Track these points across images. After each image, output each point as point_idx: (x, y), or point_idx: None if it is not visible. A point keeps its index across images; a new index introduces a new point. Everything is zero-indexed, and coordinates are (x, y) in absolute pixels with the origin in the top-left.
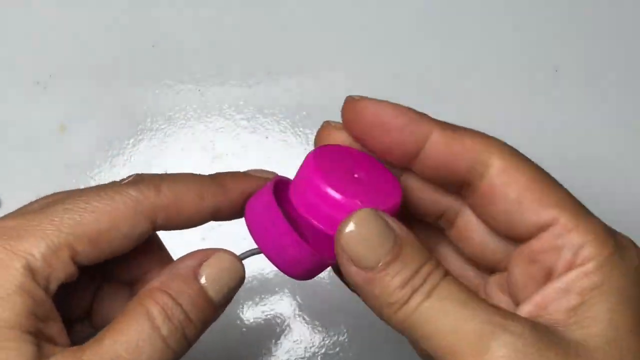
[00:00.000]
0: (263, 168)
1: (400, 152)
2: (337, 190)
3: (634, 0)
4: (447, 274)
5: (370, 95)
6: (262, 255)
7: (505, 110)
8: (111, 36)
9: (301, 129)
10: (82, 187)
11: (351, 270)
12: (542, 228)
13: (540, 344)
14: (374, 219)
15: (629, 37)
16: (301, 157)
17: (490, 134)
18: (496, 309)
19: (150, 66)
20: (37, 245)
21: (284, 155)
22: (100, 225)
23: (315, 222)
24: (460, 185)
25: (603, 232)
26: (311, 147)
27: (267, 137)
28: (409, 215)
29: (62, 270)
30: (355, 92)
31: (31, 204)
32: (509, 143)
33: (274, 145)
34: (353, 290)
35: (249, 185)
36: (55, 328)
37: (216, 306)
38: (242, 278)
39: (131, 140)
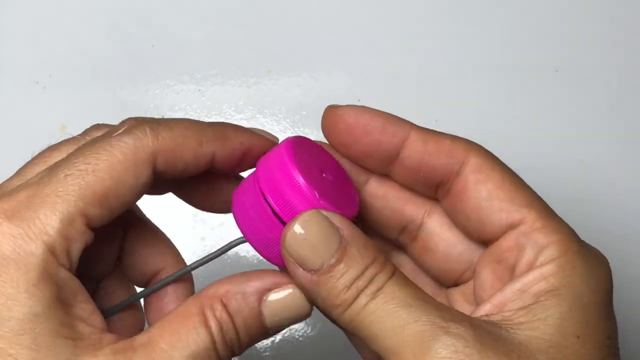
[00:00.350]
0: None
1: (380, 153)
2: (303, 177)
3: (634, 0)
4: (394, 273)
5: (370, 95)
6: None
7: (506, 110)
8: (111, 36)
9: (301, 129)
10: None
11: (297, 272)
12: (511, 226)
13: (482, 345)
14: (319, 220)
15: (629, 37)
16: None
17: (490, 135)
18: (440, 310)
19: (150, 66)
20: (51, 222)
21: None
22: (105, 183)
23: (274, 205)
24: (435, 187)
25: (568, 234)
26: None
27: None
28: (368, 231)
29: (79, 240)
30: (355, 92)
31: (23, 172)
32: (509, 143)
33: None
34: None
35: (249, 138)
36: (87, 309)
37: (266, 334)
38: (304, 318)
39: None
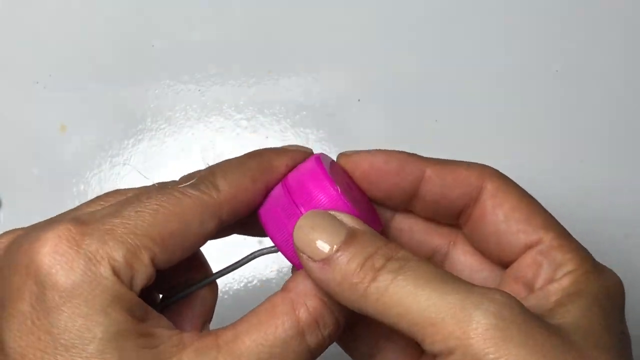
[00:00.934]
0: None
1: (399, 194)
2: (331, 182)
3: (635, 1)
4: (414, 256)
5: (370, 95)
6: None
7: (506, 110)
8: (111, 36)
9: (301, 129)
10: (82, 187)
11: (311, 266)
12: (529, 247)
13: (527, 314)
14: (323, 215)
15: (630, 37)
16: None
17: (491, 134)
18: (475, 285)
19: (150, 66)
20: (117, 250)
21: None
22: (173, 225)
23: (300, 204)
24: (457, 215)
25: (583, 252)
26: (311, 147)
27: (267, 137)
28: None
29: (144, 273)
30: (355, 92)
31: (92, 204)
32: (509, 143)
33: (274, 146)
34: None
35: (292, 158)
36: (159, 318)
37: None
38: None
39: (131, 140)
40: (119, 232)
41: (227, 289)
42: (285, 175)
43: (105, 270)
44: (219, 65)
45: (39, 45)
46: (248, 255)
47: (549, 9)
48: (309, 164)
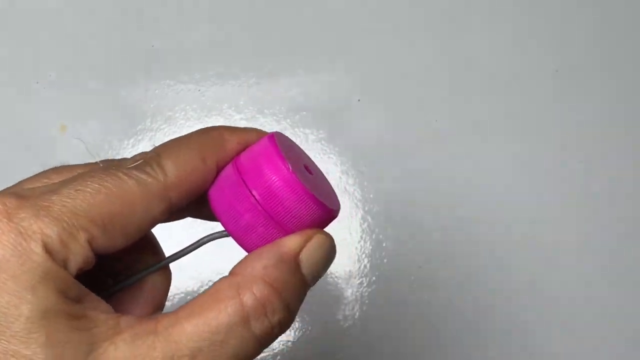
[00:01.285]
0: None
1: None
2: (285, 162)
3: (635, 1)
4: None
5: (370, 95)
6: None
7: (506, 110)
8: (111, 36)
9: (301, 129)
10: None
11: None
12: None
13: None
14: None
15: (630, 37)
16: None
17: (491, 134)
18: None
19: (150, 66)
20: (52, 226)
21: None
22: (114, 207)
23: (251, 188)
24: None
25: None
26: (311, 147)
27: None
28: None
29: (80, 254)
30: (356, 92)
31: (35, 179)
32: (511, 142)
33: None
34: None
35: (244, 135)
36: (95, 299)
37: (306, 291)
38: (334, 258)
39: (131, 140)
40: (56, 209)
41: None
42: (237, 154)
43: (36, 246)
44: (219, 65)
45: (39, 45)
46: (198, 241)
47: (549, 9)
48: (263, 142)
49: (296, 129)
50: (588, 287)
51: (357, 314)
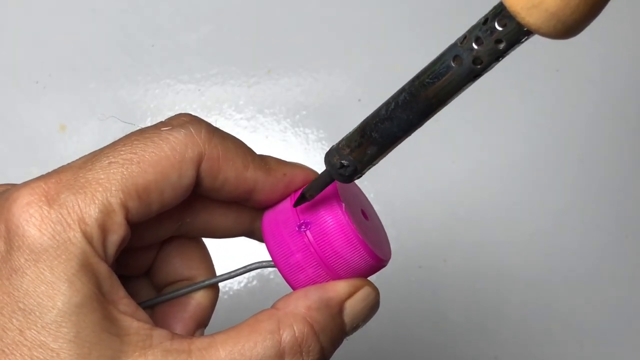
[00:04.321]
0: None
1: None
2: (341, 208)
3: (635, 0)
4: None
5: (370, 95)
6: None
7: (506, 109)
8: (111, 36)
9: (301, 128)
10: None
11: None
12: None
13: None
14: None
15: (630, 37)
16: (301, 157)
17: (490, 134)
18: None
19: (150, 66)
20: (89, 210)
21: (284, 155)
22: (148, 176)
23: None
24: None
25: None
26: (311, 147)
27: (267, 137)
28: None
29: (116, 233)
30: (356, 92)
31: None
32: (511, 142)
33: (274, 145)
34: None
35: (292, 169)
36: (131, 305)
37: (343, 339)
38: (375, 312)
39: None
40: (91, 188)
41: (227, 289)
42: (286, 188)
43: (75, 235)
44: (219, 65)
45: (39, 45)
46: (246, 266)
47: None
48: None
49: (296, 129)
50: (588, 287)
51: None
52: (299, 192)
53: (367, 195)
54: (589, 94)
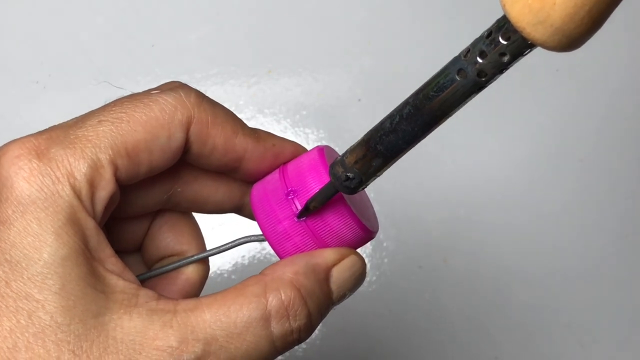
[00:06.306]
0: None
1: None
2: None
3: (635, 0)
4: None
5: (370, 95)
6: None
7: (506, 109)
8: (111, 36)
9: (301, 128)
10: None
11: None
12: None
13: None
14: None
15: (630, 37)
16: None
17: (491, 133)
18: None
19: (150, 66)
20: (78, 165)
21: None
22: (138, 135)
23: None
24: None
25: None
26: (311, 147)
27: None
28: None
29: (105, 189)
30: (356, 92)
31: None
32: (512, 142)
33: None
34: None
35: (281, 141)
36: (118, 264)
37: (330, 309)
38: (362, 282)
39: None
40: (80, 144)
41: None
42: (275, 159)
43: (63, 188)
44: (219, 65)
45: (39, 45)
46: (234, 240)
47: None
48: (311, 153)
49: (296, 129)
50: (588, 287)
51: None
52: (288, 164)
53: (367, 195)
54: (588, 94)
